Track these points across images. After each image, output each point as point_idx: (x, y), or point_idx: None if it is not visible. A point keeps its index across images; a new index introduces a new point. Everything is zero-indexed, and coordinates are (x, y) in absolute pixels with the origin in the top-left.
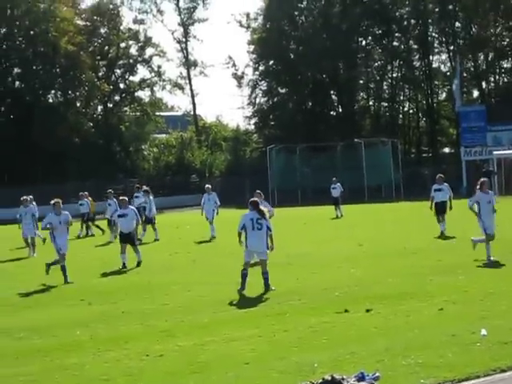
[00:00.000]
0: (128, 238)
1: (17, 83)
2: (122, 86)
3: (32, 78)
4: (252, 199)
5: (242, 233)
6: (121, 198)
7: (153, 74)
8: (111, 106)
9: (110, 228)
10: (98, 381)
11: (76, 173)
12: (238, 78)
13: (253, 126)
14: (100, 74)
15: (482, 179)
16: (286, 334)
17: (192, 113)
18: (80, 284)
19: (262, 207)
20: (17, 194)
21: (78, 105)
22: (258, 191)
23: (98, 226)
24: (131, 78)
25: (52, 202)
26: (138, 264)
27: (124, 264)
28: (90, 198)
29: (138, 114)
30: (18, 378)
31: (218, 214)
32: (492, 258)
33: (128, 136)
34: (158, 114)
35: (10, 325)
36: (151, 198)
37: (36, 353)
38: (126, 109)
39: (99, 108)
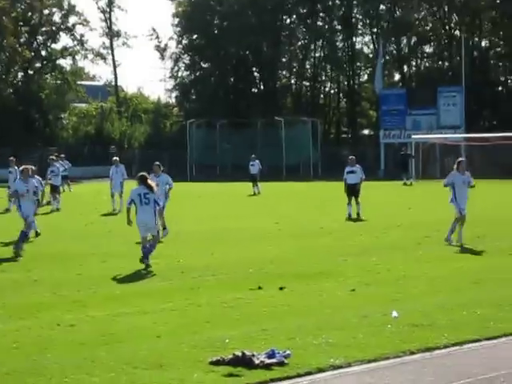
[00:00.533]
0: None
1: None
2: (43, 53)
3: None
4: (140, 173)
5: (130, 208)
6: (22, 167)
7: (75, 43)
8: (32, 72)
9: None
10: (8, 349)
11: None
12: (161, 51)
13: (174, 100)
14: (22, 40)
15: (460, 159)
16: (198, 308)
17: (113, 83)
18: None
19: (149, 181)
20: None
21: None
22: (157, 163)
23: None
24: (53, 45)
25: (20, 168)
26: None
27: (37, 232)
28: None
29: (59, 82)
30: None
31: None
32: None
33: (48, 104)
34: (78, 83)
35: None
36: (57, 165)
37: None
38: (46, 76)
39: (19, 75)
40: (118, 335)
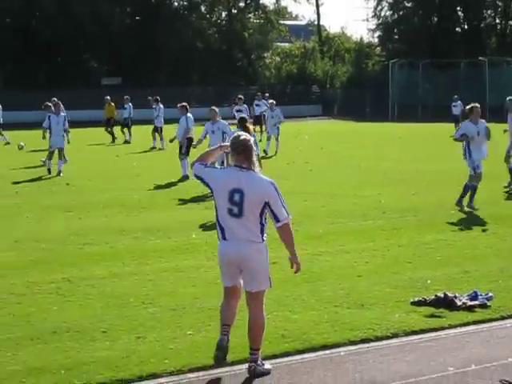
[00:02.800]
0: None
1: None
2: None
3: None
4: (241, 116)
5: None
6: (180, 104)
7: None
8: (235, 12)
9: (122, 131)
10: (213, 284)
11: (198, 77)
12: None
13: (376, 39)
14: None
15: None
16: (400, 249)
17: (316, 23)
18: (193, 189)
19: (248, 124)
20: (139, 96)
21: (203, 9)
22: (213, 107)
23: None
24: None
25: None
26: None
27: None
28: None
29: (262, 21)
30: (133, 276)
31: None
32: None
33: (251, 43)
34: (281, 22)
35: (126, 225)
36: (161, 106)
37: (151, 253)
38: (250, 16)
39: (223, 14)
40: (319, 274)
